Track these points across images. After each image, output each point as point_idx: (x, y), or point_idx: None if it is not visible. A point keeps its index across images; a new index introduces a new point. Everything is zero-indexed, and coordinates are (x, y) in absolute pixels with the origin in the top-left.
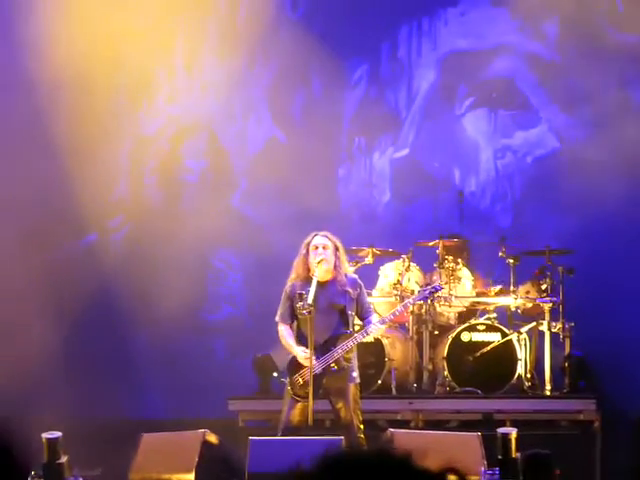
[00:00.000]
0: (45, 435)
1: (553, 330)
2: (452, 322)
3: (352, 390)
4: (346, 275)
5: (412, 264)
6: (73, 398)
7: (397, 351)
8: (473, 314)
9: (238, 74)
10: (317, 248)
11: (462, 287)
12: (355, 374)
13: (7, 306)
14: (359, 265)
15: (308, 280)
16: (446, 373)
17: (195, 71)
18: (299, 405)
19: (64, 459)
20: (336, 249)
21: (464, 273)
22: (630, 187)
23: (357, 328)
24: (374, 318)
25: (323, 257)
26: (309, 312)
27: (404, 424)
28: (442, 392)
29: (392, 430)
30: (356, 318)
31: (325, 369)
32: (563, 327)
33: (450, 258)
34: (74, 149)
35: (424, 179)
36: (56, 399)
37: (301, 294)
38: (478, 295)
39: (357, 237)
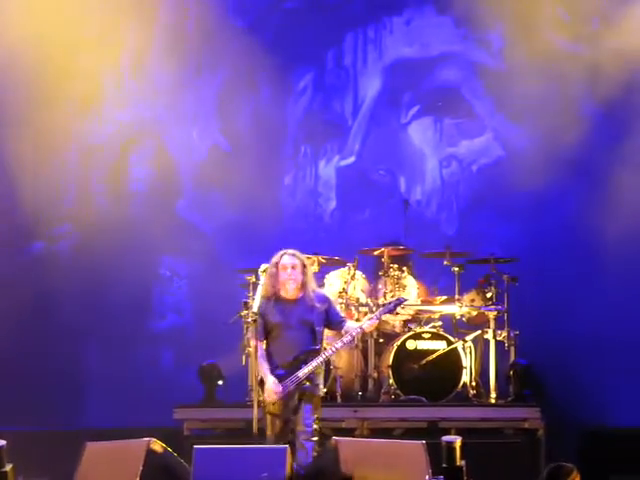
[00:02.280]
0: None
1: (498, 338)
2: (397, 330)
3: (315, 401)
4: (314, 291)
5: (357, 272)
6: (18, 407)
7: (342, 359)
8: (418, 322)
9: (185, 82)
10: (286, 269)
11: (407, 295)
12: (321, 386)
13: None
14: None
15: (278, 298)
16: (391, 381)
17: (142, 79)
18: (275, 419)
19: (8, 467)
20: (303, 266)
21: (409, 281)
22: (575, 195)
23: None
24: (348, 325)
25: (292, 278)
26: (254, 320)
27: (349, 432)
28: (387, 400)
29: (337, 438)
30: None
31: (297, 386)
32: (508, 335)
33: (395, 266)
34: (22, 156)
35: (370, 187)
36: (2, 407)
37: (246, 302)
38: (423, 303)
39: (302, 245)
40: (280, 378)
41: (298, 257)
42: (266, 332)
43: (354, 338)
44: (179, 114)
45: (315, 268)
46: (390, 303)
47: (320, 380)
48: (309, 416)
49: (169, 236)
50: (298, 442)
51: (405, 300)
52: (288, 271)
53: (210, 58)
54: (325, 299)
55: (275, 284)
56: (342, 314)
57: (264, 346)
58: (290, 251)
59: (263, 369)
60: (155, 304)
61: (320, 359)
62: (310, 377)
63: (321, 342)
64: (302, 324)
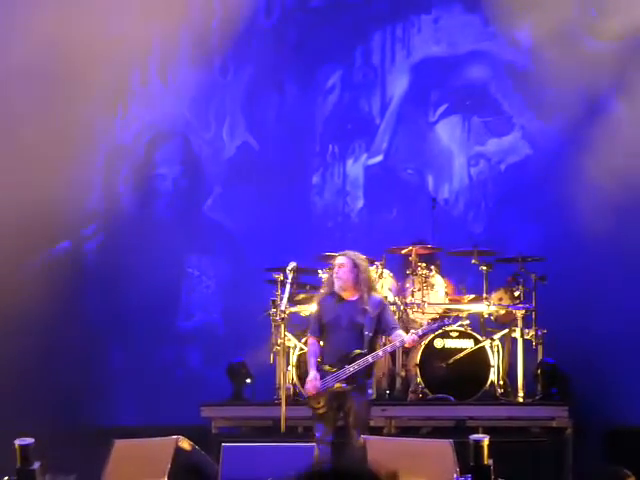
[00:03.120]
0: (18, 441)
1: (526, 337)
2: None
3: (363, 406)
4: (370, 295)
5: (385, 271)
6: (47, 405)
7: None
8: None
9: (212, 81)
10: (335, 267)
11: (435, 294)
12: (370, 391)
13: None
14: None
15: (333, 295)
16: (419, 380)
17: (169, 78)
18: (322, 417)
19: (36, 465)
20: (354, 267)
21: (437, 280)
22: (603, 194)
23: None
24: (395, 334)
25: (338, 276)
26: (282, 319)
27: (377, 431)
28: (415, 399)
29: (365, 437)
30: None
31: (338, 384)
32: (536, 334)
33: (423, 265)
34: (49, 156)
35: (397, 186)
36: (30, 406)
37: (274, 301)
38: (451, 302)
39: (330, 244)
40: (323, 375)
41: (349, 257)
42: (322, 329)
43: (395, 349)
44: (205, 113)
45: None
46: (435, 322)
47: (370, 384)
48: (359, 422)
49: (196, 235)
50: (350, 442)
51: (449, 324)
52: (335, 269)
53: (237, 56)
54: (379, 304)
55: (330, 281)
56: (395, 322)
57: (318, 342)
58: (346, 251)
59: (309, 364)
60: (183, 303)
61: (363, 363)
62: (357, 380)
63: (369, 346)
64: (352, 326)
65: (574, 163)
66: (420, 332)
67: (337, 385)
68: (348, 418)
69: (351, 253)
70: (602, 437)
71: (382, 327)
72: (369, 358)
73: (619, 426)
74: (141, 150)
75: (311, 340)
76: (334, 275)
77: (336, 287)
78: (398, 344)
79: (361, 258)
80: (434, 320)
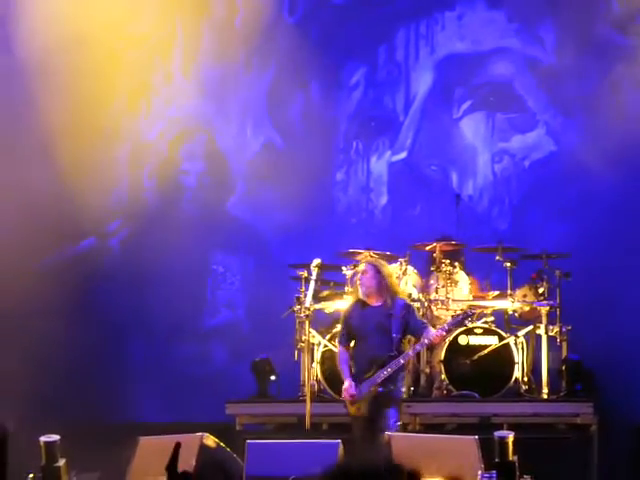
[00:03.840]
0: (43, 438)
1: (550, 334)
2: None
3: (396, 403)
4: (394, 298)
5: (409, 267)
6: (72, 402)
7: None
8: (471, 317)
9: (235, 78)
10: (359, 274)
11: (459, 291)
12: (402, 390)
13: (5, 310)
14: (356, 268)
15: (359, 302)
16: (443, 376)
17: (193, 74)
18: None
19: (62, 462)
20: (377, 272)
21: (461, 276)
22: (628, 191)
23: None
24: (426, 333)
25: (362, 283)
26: (306, 316)
27: (401, 427)
28: (439, 395)
29: (389, 434)
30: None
31: (373, 389)
32: (560, 331)
33: (447, 262)
34: (73, 153)
35: (421, 182)
36: (55, 402)
37: (299, 297)
38: (475, 299)
39: (354, 240)
40: (357, 381)
41: (371, 263)
42: (350, 337)
43: (424, 347)
44: (229, 110)
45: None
46: (459, 316)
47: (401, 384)
48: (392, 418)
49: (221, 232)
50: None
51: (473, 314)
52: (359, 276)
53: (260, 54)
54: (405, 307)
55: (355, 289)
56: (422, 321)
57: (347, 350)
58: (368, 259)
59: (342, 373)
60: (208, 299)
61: (395, 365)
62: (389, 381)
63: (397, 349)
64: (379, 330)
65: (598, 159)
66: (446, 327)
67: (373, 389)
68: (383, 423)
69: (373, 259)
70: (627, 434)
71: (410, 328)
72: (400, 360)
73: None
74: (165, 146)
75: (340, 349)
76: (358, 282)
77: (361, 294)
78: (426, 341)
79: (383, 264)
80: (458, 315)
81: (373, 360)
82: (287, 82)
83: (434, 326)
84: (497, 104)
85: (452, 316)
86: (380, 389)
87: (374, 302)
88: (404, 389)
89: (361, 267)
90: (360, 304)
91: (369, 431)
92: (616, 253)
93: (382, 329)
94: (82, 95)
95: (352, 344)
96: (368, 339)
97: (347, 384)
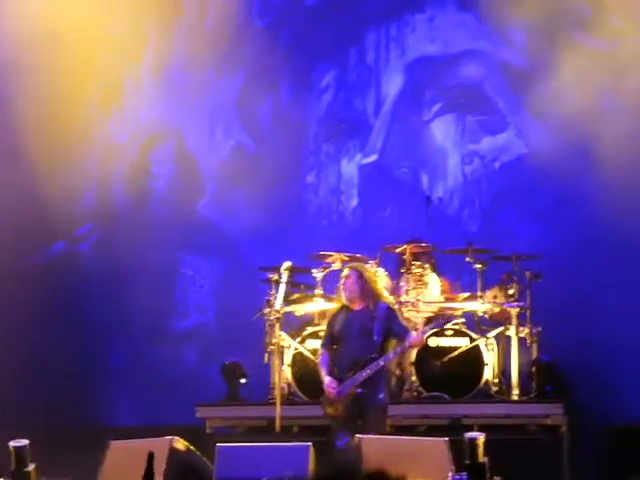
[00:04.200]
0: (12, 443)
1: (520, 335)
2: (419, 327)
3: (376, 411)
4: (377, 302)
5: (380, 269)
6: (43, 405)
7: None
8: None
9: (206, 81)
10: (342, 279)
11: (429, 292)
12: (381, 395)
13: None
14: (327, 271)
15: (342, 307)
16: (414, 378)
17: (164, 78)
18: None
19: (31, 467)
20: (359, 277)
21: (431, 278)
22: (597, 192)
23: None
24: (407, 339)
25: (345, 288)
26: (277, 318)
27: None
28: (410, 397)
29: (360, 436)
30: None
31: (354, 390)
32: (530, 332)
33: (417, 263)
34: (42, 156)
35: (392, 185)
36: (25, 406)
37: (269, 300)
38: (446, 300)
39: (325, 243)
40: (337, 382)
41: (354, 268)
42: (333, 341)
43: (405, 350)
44: (200, 113)
45: (338, 266)
46: (440, 320)
47: (382, 389)
48: (374, 425)
49: (191, 235)
50: None
51: (453, 317)
52: (342, 281)
53: (231, 57)
54: (388, 311)
55: (339, 294)
56: (404, 326)
57: (329, 353)
58: (350, 264)
59: (322, 372)
60: (178, 302)
61: (375, 367)
62: (371, 385)
63: (379, 351)
64: (361, 333)
65: (570, 161)
66: (426, 330)
67: (352, 390)
68: (365, 422)
69: (356, 264)
70: (598, 434)
71: (393, 332)
72: (380, 361)
73: (616, 424)
74: (135, 150)
75: (322, 351)
76: (341, 287)
77: (344, 298)
78: (407, 344)
79: (366, 268)
80: (437, 317)
81: (354, 362)
82: (257, 85)
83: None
84: (467, 106)
85: (429, 318)
86: (359, 390)
87: (357, 306)
88: (385, 395)
89: (344, 272)
90: (344, 309)
91: (345, 434)
92: (587, 254)
93: (364, 332)
94: (53, 96)
95: (335, 347)
96: (350, 342)
97: (327, 381)
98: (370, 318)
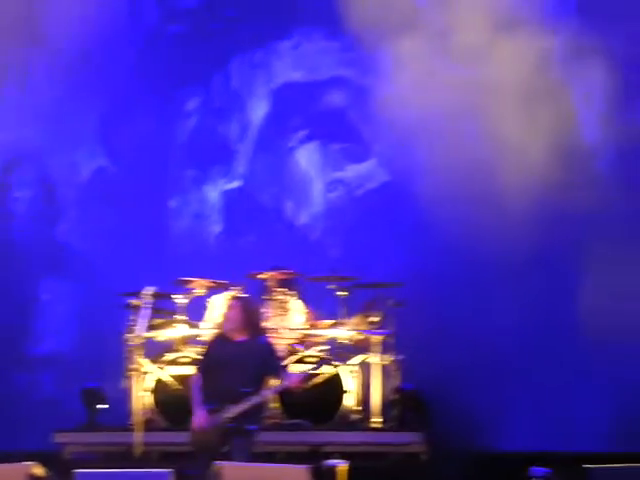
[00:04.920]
0: None
1: (384, 363)
2: (282, 354)
3: (246, 440)
4: (257, 336)
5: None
6: None
7: None
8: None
9: (67, 104)
10: (225, 309)
11: (292, 319)
12: (253, 427)
13: None
14: (190, 297)
15: (223, 336)
16: (275, 405)
17: (25, 100)
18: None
19: None
20: (242, 310)
21: (294, 305)
22: (460, 220)
23: None
24: (286, 379)
25: (227, 318)
26: (138, 344)
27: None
28: (271, 424)
29: (220, 463)
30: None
31: (222, 424)
32: (394, 360)
33: (280, 290)
34: None
35: (256, 211)
36: None
37: (130, 326)
38: (310, 327)
39: (188, 269)
40: (209, 413)
41: (238, 299)
42: (209, 369)
43: (282, 389)
44: (61, 136)
45: (201, 292)
46: (317, 363)
47: (255, 423)
48: (239, 454)
49: (50, 259)
50: None
51: (329, 360)
52: (225, 311)
53: (95, 79)
54: (266, 346)
55: (220, 323)
56: (282, 365)
57: (202, 380)
58: (236, 293)
59: (194, 400)
60: (36, 327)
61: (248, 402)
62: (243, 420)
63: (255, 385)
64: (238, 365)
65: (433, 188)
66: (307, 372)
67: (222, 423)
68: (231, 450)
69: (240, 296)
70: (458, 462)
71: (268, 368)
72: (255, 397)
73: (478, 451)
74: None
75: (196, 378)
76: (223, 317)
77: (225, 328)
78: (286, 384)
79: (250, 301)
80: (316, 362)
81: (228, 394)
82: (120, 109)
83: None
84: (332, 133)
85: (291, 346)
86: (231, 424)
87: (237, 337)
88: (258, 427)
89: (228, 302)
90: (223, 338)
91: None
92: (450, 283)
93: (241, 365)
94: None
95: (209, 376)
96: (225, 373)
97: (199, 412)
98: (249, 351)
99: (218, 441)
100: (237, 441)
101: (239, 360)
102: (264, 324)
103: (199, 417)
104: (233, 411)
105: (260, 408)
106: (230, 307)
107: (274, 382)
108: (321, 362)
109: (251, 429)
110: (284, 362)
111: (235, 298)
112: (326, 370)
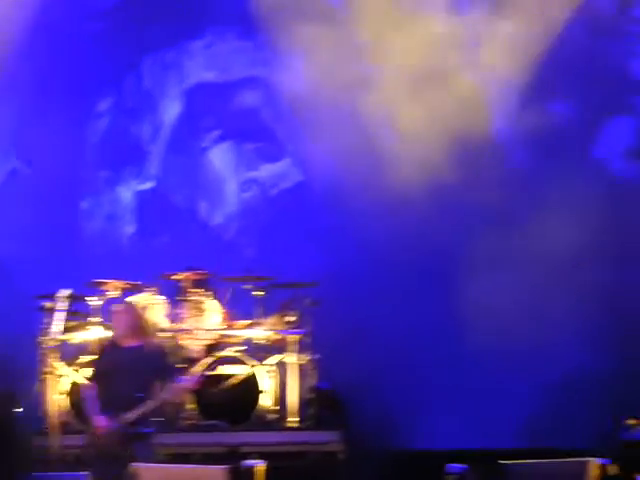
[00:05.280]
0: None
1: (300, 362)
2: (198, 355)
3: (145, 443)
4: (147, 340)
5: (158, 297)
6: None
7: None
8: (220, 347)
9: None
10: (114, 315)
11: (209, 320)
12: (150, 430)
13: None
14: (104, 299)
15: (113, 342)
16: (191, 406)
17: None
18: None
19: None
20: (130, 315)
21: (211, 305)
22: (376, 218)
23: None
24: (177, 382)
25: (116, 325)
26: (52, 347)
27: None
28: (187, 425)
29: (135, 464)
30: None
31: (117, 430)
32: (310, 359)
33: (195, 291)
34: None
35: (170, 212)
36: None
37: (44, 329)
38: (226, 328)
39: (101, 270)
40: (105, 419)
41: (126, 304)
42: (100, 375)
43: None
44: None
45: (116, 293)
46: (210, 366)
47: (152, 425)
48: (143, 458)
49: None
50: None
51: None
52: (114, 317)
53: (5, 81)
54: (157, 350)
55: (111, 329)
56: (176, 368)
57: (94, 388)
58: (128, 299)
59: (89, 408)
60: None
61: (142, 407)
62: (139, 424)
63: (149, 391)
64: (129, 371)
65: (347, 188)
66: (199, 376)
67: (118, 429)
68: (133, 454)
69: (128, 300)
70: (377, 460)
71: (162, 373)
72: (150, 402)
73: (396, 450)
74: None
75: (89, 385)
76: (112, 323)
77: (114, 334)
78: (179, 387)
79: (138, 305)
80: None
81: (121, 400)
82: (32, 110)
83: (186, 359)
84: (246, 133)
85: (209, 346)
86: (126, 429)
87: (127, 343)
88: (155, 429)
89: (115, 308)
90: (113, 345)
91: (111, 468)
92: (365, 282)
93: (132, 371)
94: None
95: (102, 383)
96: (117, 379)
97: (95, 418)
98: (140, 356)
99: (119, 446)
100: (138, 446)
101: (130, 366)
102: (153, 327)
103: (99, 423)
104: (129, 417)
105: (156, 412)
106: (116, 313)
107: (169, 385)
108: (216, 363)
109: (148, 432)
110: (178, 364)
111: (121, 303)
112: (241, 370)
